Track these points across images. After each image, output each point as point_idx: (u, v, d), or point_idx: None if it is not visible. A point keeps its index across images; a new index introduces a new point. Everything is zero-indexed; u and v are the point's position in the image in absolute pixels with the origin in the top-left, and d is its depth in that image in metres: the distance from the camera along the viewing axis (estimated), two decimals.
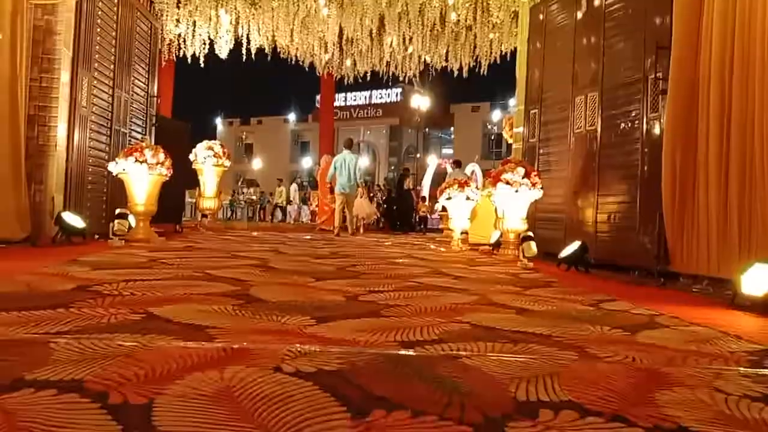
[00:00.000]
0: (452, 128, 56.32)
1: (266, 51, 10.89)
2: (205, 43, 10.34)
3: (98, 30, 6.25)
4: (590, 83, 5.91)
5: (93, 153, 6.28)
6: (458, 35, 11.71)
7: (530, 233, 5.84)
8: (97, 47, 6.27)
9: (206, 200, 10.20)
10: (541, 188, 6.04)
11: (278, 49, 11.33)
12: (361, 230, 13.47)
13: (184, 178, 8.96)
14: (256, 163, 63.18)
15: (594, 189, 5.77)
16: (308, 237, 9.72)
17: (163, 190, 7.26)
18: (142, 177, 5.91)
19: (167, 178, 6.14)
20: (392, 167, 60.85)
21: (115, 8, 6.65)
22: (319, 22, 9.69)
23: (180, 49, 10.66)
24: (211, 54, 10.87)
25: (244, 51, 10.49)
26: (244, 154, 67.61)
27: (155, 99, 7.92)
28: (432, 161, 26.58)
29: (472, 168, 26.40)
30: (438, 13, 9.87)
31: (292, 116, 64.26)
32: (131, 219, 5.88)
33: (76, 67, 5.81)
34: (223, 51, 10.45)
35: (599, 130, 5.75)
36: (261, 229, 12.19)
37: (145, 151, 5.88)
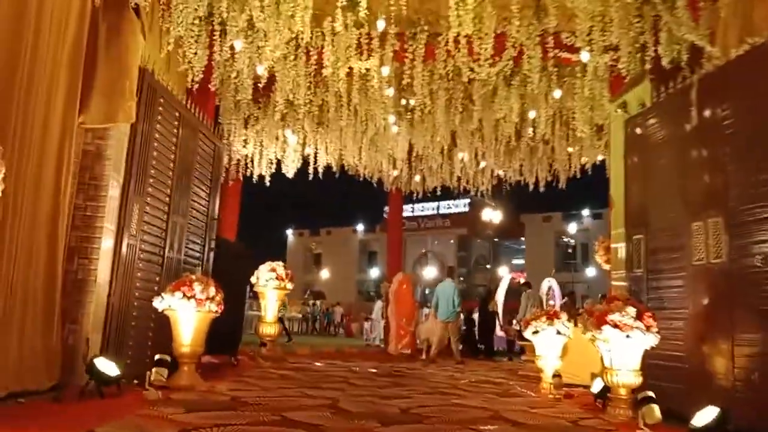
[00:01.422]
0: (523, 238, 55.01)
1: (334, 169, 10.52)
2: (272, 163, 10.08)
3: (155, 154, 5.89)
4: (710, 204, 4.94)
5: (141, 285, 5.72)
6: (534, 149, 11.04)
7: (651, 394, 4.70)
8: (153, 171, 5.88)
9: (266, 326, 9.50)
10: (657, 332, 4.94)
11: (345, 167, 10.97)
12: (433, 351, 12.44)
13: (241, 304, 8.32)
14: (324, 273, 63.42)
15: (728, 335, 4.63)
16: (374, 370, 8.69)
17: (221, 317, 6.66)
18: (189, 314, 5.24)
19: (218, 314, 5.45)
20: (461, 278, 59.52)
21: (175, 130, 6.34)
22: (388, 140, 9.25)
23: (247, 168, 10.45)
24: (278, 173, 10.59)
25: (311, 170, 10.14)
26: (313, 264, 68.32)
27: (215, 221, 7.47)
28: (505, 276, 25.30)
29: (549, 283, 25.01)
30: (513, 128, 9.25)
31: (360, 227, 65.00)
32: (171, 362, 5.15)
33: (127, 193, 5.38)
34: (290, 170, 10.14)
35: (727, 261, 4.70)
36: (324, 356, 11.27)
37: (194, 284, 5.26)
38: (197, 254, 7.09)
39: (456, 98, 7.84)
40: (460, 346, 11.85)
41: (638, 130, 6.08)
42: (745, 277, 4.53)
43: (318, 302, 36.61)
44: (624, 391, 4.99)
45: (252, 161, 10.23)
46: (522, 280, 25.17)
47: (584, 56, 6.27)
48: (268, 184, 10.36)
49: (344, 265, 63.10)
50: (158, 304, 5.30)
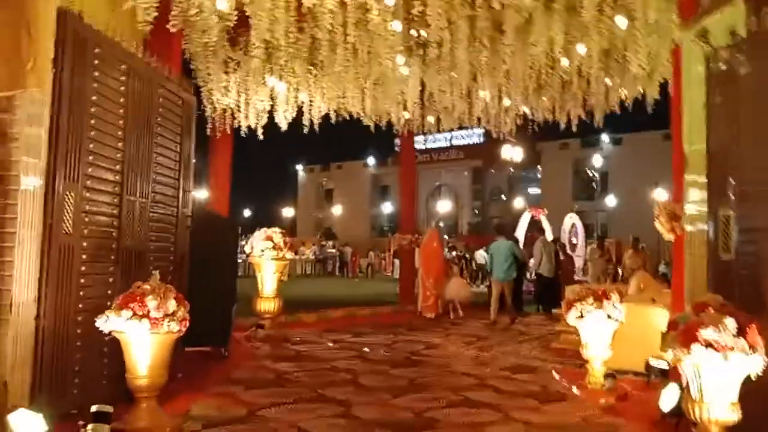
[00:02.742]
0: (539, 167, 53.22)
1: (332, 119, 9.05)
2: (261, 114, 8.64)
3: (93, 122, 4.51)
4: None
5: (88, 294, 4.48)
6: (567, 85, 9.44)
7: None
8: (93, 145, 4.52)
9: (264, 301, 8.36)
10: (764, 352, 3.65)
11: (349, 115, 9.48)
12: (460, 312, 11.63)
13: (230, 284, 7.13)
14: (336, 210, 62.46)
15: None
16: (388, 353, 7.52)
17: (206, 303, 5.50)
18: (143, 338, 4.02)
19: (182, 333, 4.22)
20: (476, 211, 58.30)
21: (123, 87, 4.92)
22: (396, 82, 7.71)
23: (234, 119, 9.02)
24: (272, 123, 9.16)
25: (306, 120, 8.67)
26: (324, 200, 67.28)
27: (188, 194, 6.15)
28: (524, 214, 23.95)
29: (571, 220, 23.65)
30: (547, 62, 7.68)
31: (371, 160, 63.36)
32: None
33: (52, 179, 4.06)
34: (283, 122, 8.68)
35: None
36: (333, 324, 10.14)
37: (148, 299, 4.00)
38: (169, 237, 5.82)
39: (481, 30, 6.25)
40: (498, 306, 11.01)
41: (727, 66, 4.56)
42: None
43: (330, 242, 35.68)
44: (716, 429, 3.75)
45: (239, 111, 8.78)
46: (543, 218, 23.96)
47: None
48: (261, 137, 8.95)
49: (356, 200, 61.96)
50: (103, 324, 4.07)
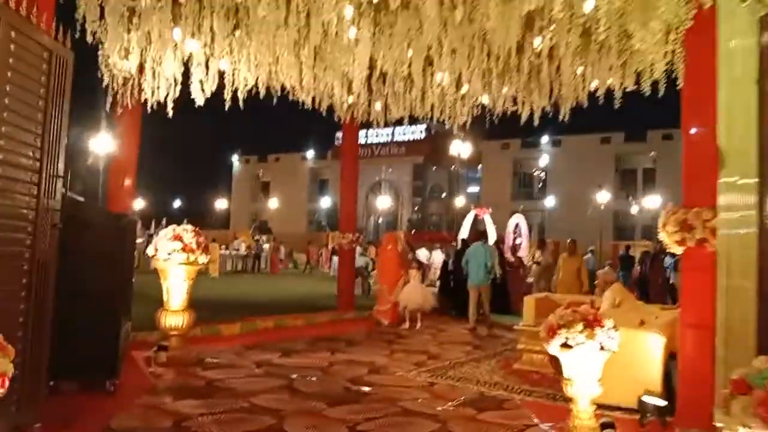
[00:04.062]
0: (480, 166, 52.96)
1: (261, 92, 7.49)
2: (171, 86, 7.04)
3: None
4: None
5: None
6: (535, 70, 8.30)
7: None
8: None
9: (171, 315, 6.81)
10: None
11: (282, 90, 7.99)
12: (418, 324, 10.46)
13: (118, 299, 5.55)
14: (273, 203, 60.31)
15: None
16: (318, 382, 6.10)
17: (85, 326, 4.20)
18: None
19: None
20: (416, 207, 57.50)
21: None
22: (341, 51, 6.26)
23: (141, 91, 7.39)
24: (209, 106, 7.54)
25: (228, 94, 7.09)
26: (260, 192, 64.92)
27: (59, 179, 4.55)
28: (469, 213, 23.06)
29: (516, 220, 22.85)
30: (517, 40, 6.45)
31: (310, 153, 61.56)
32: None
33: None
34: (198, 97, 7.08)
35: None
36: (260, 337, 8.61)
37: None
38: (21, 238, 4.21)
39: None
40: (480, 311, 10.72)
41: None
42: None
43: (263, 237, 33.83)
44: None
45: (145, 81, 7.16)
46: (487, 217, 23.11)
47: None
48: (170, 113, 7.36)
49: (294, 194, 60.07)
50: None
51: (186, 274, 6.80)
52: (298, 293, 16.58)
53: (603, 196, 39.81)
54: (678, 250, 4.64)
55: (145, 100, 7.38)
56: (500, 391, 6.11)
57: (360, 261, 17.00)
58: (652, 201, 40.27)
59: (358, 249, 17.70)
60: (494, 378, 6.75)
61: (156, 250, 6.74)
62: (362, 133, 52.96)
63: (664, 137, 44.89)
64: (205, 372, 6.35)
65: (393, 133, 54.32)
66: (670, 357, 5.49)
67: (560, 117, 9.44)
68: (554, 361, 7.00)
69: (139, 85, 7.31)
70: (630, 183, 46.90)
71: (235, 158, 68.04)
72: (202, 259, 6.85)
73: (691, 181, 4.62)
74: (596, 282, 12.02)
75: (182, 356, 6.66)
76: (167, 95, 7.25)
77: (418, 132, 54.65)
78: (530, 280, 14.98)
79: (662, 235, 4.67)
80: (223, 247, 29.90)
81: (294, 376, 6.38)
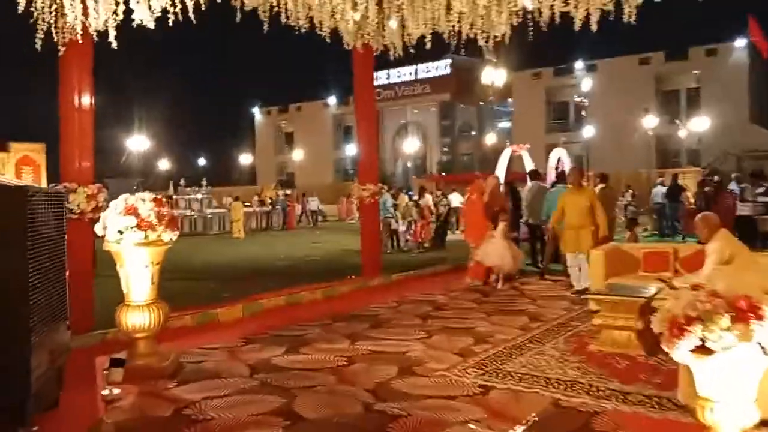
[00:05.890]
0: (510, 100, 49.94)
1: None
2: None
3: None
4: None
5: None
6: None
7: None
8: None
9: (134, 312, 5.16)
10: None
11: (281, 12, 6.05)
12: (500, 285, 9.14)
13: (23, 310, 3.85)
14: (297, 154, 58.64)
15: None
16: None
17: None
18: None
19: None
20: (445, 148, 55.12)
21: None
22: None
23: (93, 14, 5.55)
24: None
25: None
26: (285, 144, 63.19)
27: None
28: (505, 150, 20.99)
29: (558, 154, 20.66)
30: None
31: (332, 99, 59.22)
32: None
33: None
34: (147, 18, 5.16)
35: None
36: (268, 329, 6.95)
37: None
38: None
39: None
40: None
41: None
42: None
43: (287, 192, 32.26)
44: None
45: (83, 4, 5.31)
46: (524, 153, 20.98)
47: None
48: (114, 44, 5.52)
49: (318, 143, 58.17)
50: None
51: (149, 257, 5.10)
52: (322, 252, 14.99)
53: (650, 122, 36.94)
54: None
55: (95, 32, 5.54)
56: (583, 397, 4.33)
57: (387, 211, 15.15)
58: (697, 123, 37.27)
59: (389, 199, 15.70)
60: (568, 371, 4.97)
61: (104, 228, 5.05)
62: (384, 73, 50.54)
63: (708, 53, 41.43)
64: (177, 390, 4.70)
65: (416, 71, 51.62)
66: None
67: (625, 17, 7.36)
68: (646, 337, 5.23)
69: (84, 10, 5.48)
70: (673, 105, 43.73)
71: (256, 110, 66.17)
72: (168, 236, 5.13)
73: None
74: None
75: (150, 366, 5.03)
76: (108, 20, 5.39)
77: (442, 68, 51.68)
78: None
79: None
80: (253, 200, 28.92)
81: (297, 387, 4.71)
